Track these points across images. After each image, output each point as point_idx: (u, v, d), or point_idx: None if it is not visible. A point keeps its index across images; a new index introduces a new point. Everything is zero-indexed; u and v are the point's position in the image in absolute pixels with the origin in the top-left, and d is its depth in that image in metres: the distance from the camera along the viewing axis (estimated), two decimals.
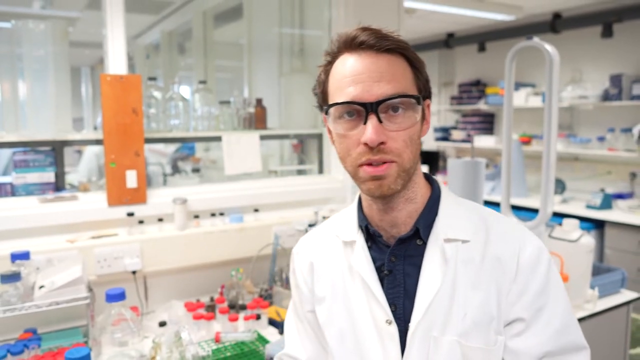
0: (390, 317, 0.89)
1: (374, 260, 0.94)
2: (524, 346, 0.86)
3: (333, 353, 0.97)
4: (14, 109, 1.95)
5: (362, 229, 0.97)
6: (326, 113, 0.88)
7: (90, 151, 3.26)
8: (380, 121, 0.82)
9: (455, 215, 0.92)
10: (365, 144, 0.82)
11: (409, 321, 0.89)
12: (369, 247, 0.96)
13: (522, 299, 0.87)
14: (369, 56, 0.84)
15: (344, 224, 1.02)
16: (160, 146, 4.22)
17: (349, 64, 0.85)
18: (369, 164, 0.83)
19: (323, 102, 0.92)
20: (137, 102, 1.84)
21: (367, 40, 0.84)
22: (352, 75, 0.84)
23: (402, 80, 0.84)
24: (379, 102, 0.82)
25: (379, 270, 0.93)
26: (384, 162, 0.83)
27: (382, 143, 0.82)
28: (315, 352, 1.06)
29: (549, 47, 2.07)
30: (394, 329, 0.89)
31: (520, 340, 0.87)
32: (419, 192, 0.93)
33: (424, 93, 0.89)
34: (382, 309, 0.90)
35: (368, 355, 0.92)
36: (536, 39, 2.12)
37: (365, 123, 0.82)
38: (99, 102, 1.87)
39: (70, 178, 2.57)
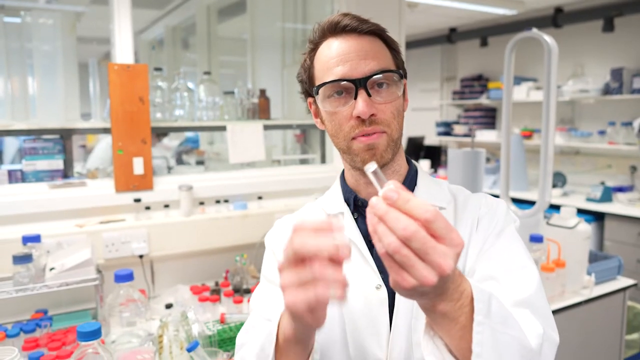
0: (381, 281, 0.93)
1: (361, 231, 0.97)
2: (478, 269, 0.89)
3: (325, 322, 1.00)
4: (24, 103, 2.00)
5: (347, 202, 1.01)
6: (315, 94, 0.93)
7: (105, 142, 3.31)
8: (369, 95, 0.87)
9: (431, 187, 1.00)
10: (358, 117, 0.87)
11: None
12: (355, 220, 0.99)
13: (481, 234, 0.92)
14: (352, 38, 0.90)
15: (329, 199, 1.05)
16: (164, 140, 4.27)
17: (334, 46, 0.91)
18: (362, 136, 0.89)
19: (310, 87, 0.96)
20: (143, 90, 1.89)
21: (349, 24, 0.90)
22: (338, 56, 0.89)
23: (384, 58, 0.91)
24: (367, 78, 0.87)
25: (366, 239, 0.96)
26: (375, 132, 0.88)
27: (372, 115, 0.87)
28: None
29: (547, 38, 2.11)
30: (383, 293, 0.92)
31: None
32: (403, 164, 0.99)
33: (402, 72, 0.94)
34: (373, 273, 0.94)
35: (357, 321, 0.94)
36: (535, 30, 2.16)
37: (355, 98, 0.87)
38: (107, 97, 1.91)
39: (79, 168, 2.61)
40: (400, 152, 0.98)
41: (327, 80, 0.90)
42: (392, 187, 0.56)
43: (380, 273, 0.94)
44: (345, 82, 0.88)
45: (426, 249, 0.54)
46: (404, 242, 0.54)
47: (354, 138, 0.90)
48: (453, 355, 0.68)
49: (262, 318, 1.04)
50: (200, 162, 3.34)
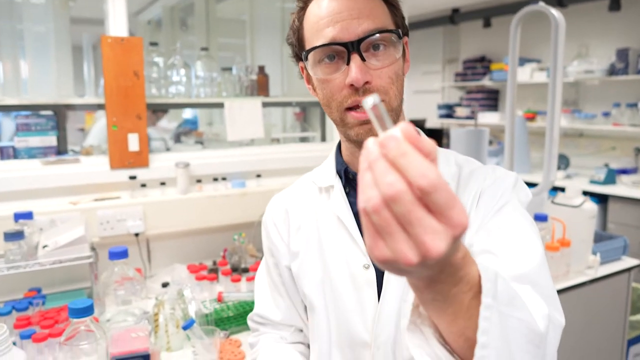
0: (369, 261, 0.88)
1: (352, 206, 0.92)
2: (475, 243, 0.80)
3: (313, 303, 0.95)
4: (16, 84, 1.95)
5: (339, 175, 0.95)
6: (305, 59, 0.84)
7: (104, 120, 3.26)
8: (363, 60, 0.78)
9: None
10: (351, 86, 0.79)
11: None
12: (347, 193, 0.94)
13: (482, 208, 0.83)
14: None
15: (322, 171, 1.00)
16: (163, 122, 4.22)
17: (324, 5, 0.81)
18: (357, 108, 0.81)
19: (299, 50, 0.87)
20: (138, 64, 1.83)
21: None
22: (329, 16, 0.80)
23: (380, 16, 0.81)
24: (360, 40, 0.78)
25: (356, 215, 0.91)
26: None
27: (367, 82, 0.78)
28: (289, 311, 1.03)
29: (554, 12, 2.05)
30: (371, 273, 0.88)
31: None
32: None
33: (402, 29, 0.84)
34: (361, 253, 0.89)
35: (343, 303, 0.90)
36: (542, 3, 2.10)
37: (348, 64, 0.78)
38: (102, 79, 1.86)
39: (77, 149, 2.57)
40: (400, 120, 0.89)
41: (316, 44, 0.80)
42: (397, 132, 0.43)
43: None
44: (336, 46, 0.79)
45: (411, 218, 0.41)
46: (386, 202, 0.42)
47: (347, 109, 0.82)
48: (444, 341, 0.57)
49: (259, 317, 1.07)
50: (199, 144, 3.29)
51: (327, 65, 0.82)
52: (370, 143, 0.44)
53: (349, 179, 0.94)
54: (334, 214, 0.93)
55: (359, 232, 0.89)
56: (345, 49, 0.78)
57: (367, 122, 0.81)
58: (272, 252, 1.04)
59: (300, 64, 0.90)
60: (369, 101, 0.45)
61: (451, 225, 0.41)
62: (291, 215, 1.01)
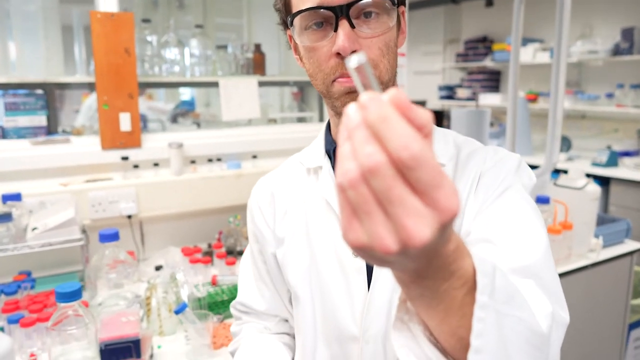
0: None
1: None
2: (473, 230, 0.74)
3: (297, 293, 0.90)
4: (5, 65, 1.89)
5: (329, 155, 0.89)
6: (291, 25, 0.77)
7: (93, 97, 3.20)
8: (352, 26, 0.71)
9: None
10: (338, 55, 0.72)
11: None
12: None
13: (481, 193, 0.77)
14: None
15: (310, 152, 0.94)
16: (160, 104, 4.16)
17: None
18: (343, 76, 0.74)
19: (286, 16, 0.80)
20: (129, 41, 1.77)
21: None
22: None
23: None
24: (350, 5, 0.71)
25: None
26: None
27: (355, 52, 0.71)
28: (274, 301, 0.99)
29: None
30: (361, 261, 0.82)
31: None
32: None
33: None
34: None
35: (332, 291, 0.85)
36: None
37: (335, 30, 0.71)
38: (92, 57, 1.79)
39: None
40: None
41: (302, 8, 0.73)
42: (380, 96, 0.36)
43: None
44: (323, 10, 0.71)
45: (391, 196, 0.34)
46: (364, 176, 0.35)
47: (334, 81, 0.75)
48: (434, 339, 0.50)
49: (242, 306, 1.03)
50: (196, 125, 3.24)
51: (313, 32, 0.75)
52: (351, 109, 0.37)
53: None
54: (322, 197, 0.87)
55: None
56: (334, 14, 0.71)
57: (355, 90, 0.74)
58: (257, 238, 0.98)
59: (288, 31, 0.83)
60: (354, 60, 0.37)
61: (438, 208, 0.35)
62: (277, 199, 0.95)
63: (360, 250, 0.37)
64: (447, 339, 0.48)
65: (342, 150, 0.37)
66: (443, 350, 0.50)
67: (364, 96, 0.36)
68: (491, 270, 0.47)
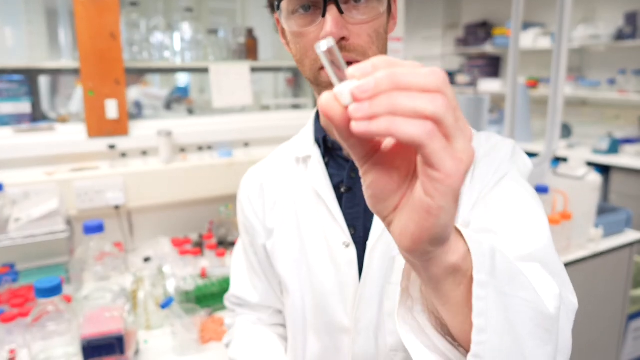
0: (349, 239, 0.80)
1: (331, 177, 0.84)
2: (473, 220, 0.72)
3: (287, 285, 0.89)
4: None
5: (318, 143, 0.86)
6: (277, 9, 0.74)
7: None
8: (341, 12, 0.68)
9: None
10: None
11: None
12: (326, 164, 0.85)
13: (477, 181, 0.75)
14: None
15: (299, 140, 0.91)
16: (154, 90, 4.10)
17: None
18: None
19: None
20: (114, 25, 1.71)
21: None
22: None
23: None
24: None
25: (336, 188, 0.83)
26: (348, 63, 0.69)
27: (343, 39, 0.68)
28: (266, 293, 0.98)
29: None
30: (351, 252, 0.80)
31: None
32: None
33: None
34: (340, 230, 0.81)
35: (322, 283, 0.83)
36: None
37: (323, 15, 0.68)
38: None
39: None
40: None
41: None
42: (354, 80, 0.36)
43: (349, 228, 0.80)
44: None
45: (460, 115, 0.38)
46: (447, 98, 0.37)
47: (322, 68, 0.72)
48: (445, 330, 0.48)
49: (236, 299, 1.01)
50: (190, 111, 3.18)
51: (301, 17, 0.71)
52: (324, 97, 0.37)
53: (328, 148, 0.85)
54: (311, 187, 0.85)
55: (338, 208, 0.81)
56: None
57: None
58: (247, 229, 0.96)
59: (276, 15, 0.79)
60: (323, 45, 0.37)
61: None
62: (266, 190, 0.93)
63: (465, 170, 0.37)
64: (461, 325, 0.46)
65: (411, 96, 0.35)
66: (452, 342, 0.48)
67: (337, 87, 0.37)
68: (488, 251, 0.45)
